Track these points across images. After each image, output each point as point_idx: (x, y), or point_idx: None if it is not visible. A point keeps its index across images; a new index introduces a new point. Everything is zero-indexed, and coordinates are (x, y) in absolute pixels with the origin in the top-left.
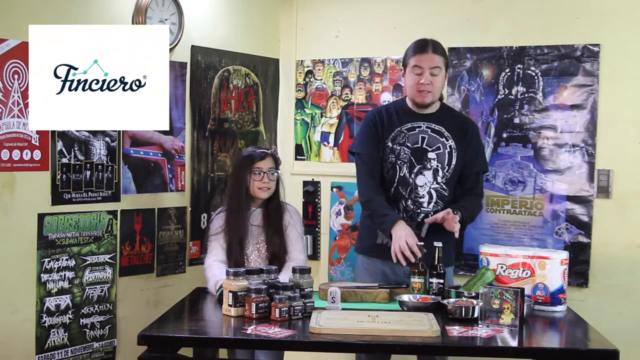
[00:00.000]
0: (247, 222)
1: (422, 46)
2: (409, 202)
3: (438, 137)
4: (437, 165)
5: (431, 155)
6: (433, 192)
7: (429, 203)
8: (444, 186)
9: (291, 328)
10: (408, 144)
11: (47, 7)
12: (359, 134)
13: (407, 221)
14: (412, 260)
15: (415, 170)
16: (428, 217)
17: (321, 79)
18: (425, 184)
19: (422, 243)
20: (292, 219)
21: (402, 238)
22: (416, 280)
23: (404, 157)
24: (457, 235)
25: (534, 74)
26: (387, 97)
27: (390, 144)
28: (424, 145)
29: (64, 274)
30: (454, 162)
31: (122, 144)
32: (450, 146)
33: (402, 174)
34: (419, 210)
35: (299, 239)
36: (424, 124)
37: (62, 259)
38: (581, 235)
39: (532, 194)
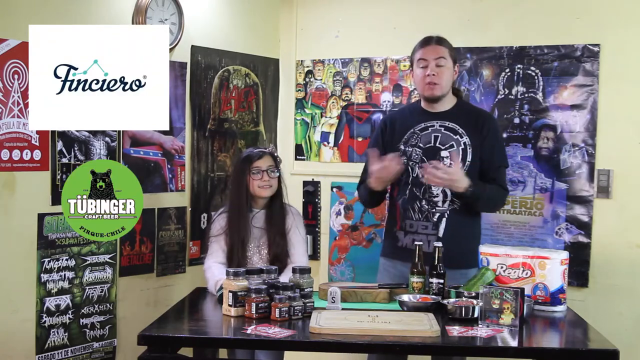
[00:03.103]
0: (249, 223)
1: (426, 40)
2: (424, 202)
3: (452, 134)
4: (451, 164)
5: (444, 153)
6: (447, 190)
7: (443, 202)
8: None
9: (291, 328)
10: (420, 145)
11: (47, 7)
12: (370, 139)
13: (422, 221)
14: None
15: None
16: (444, 216)
17: (321, 79)
18: None
19: (421, 242)
20: (294, 221)
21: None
22: (416, 280)
23: (416, 157)
24: (426, 179)
25: (534, 74)
26: (387, 97)
27: (402, 147)
28: (436, 144)
29: (64, 274)
30: (468, 159)
31: (122, 144)
32: (464, 143)
33: (414, 175)
34: (434, 210)
35: (301, 242)
36: (437, 122)
37: (62, 259)
38: (581, 235)
39: (532, 194)
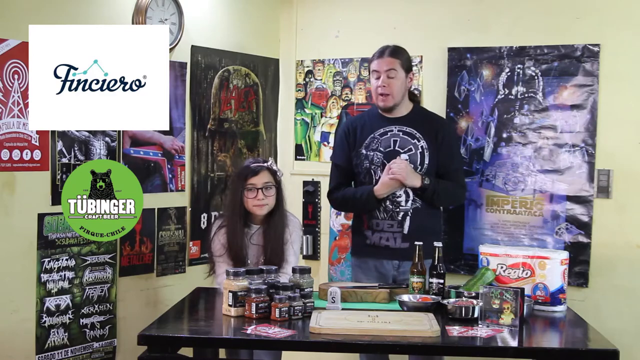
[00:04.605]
0: (246, 242)
1: (381, 51)
2: (387, 202)
3: (409, 139)
4: (410, 166)
5: (403, 156)
6: (409, 190)
7: (406, 201)
8: None
9: (291, 328)
10: (381, 149)
11: (47, 7)
12: (334, 145)
13: (388, 220)
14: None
15: None
16: (408, 214)
17: (321, 79)
18: None
19: (421, 243)
20: (290, 238)
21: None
22: (416, 280)
23: (377, 161)
24: (389, 176)
25: (534, 74)
26: None
27: (364, 151)
28: (396, 148)
29: (64, 274)
30: (426, 162)
31: (122, 144)
32: (422, 147)
33: (377, 178)
34: (397, 209)
35: (292, 258)
36: (395, 127)
37: (62, 259)
38: (581, 235)
39: (532, 194)
